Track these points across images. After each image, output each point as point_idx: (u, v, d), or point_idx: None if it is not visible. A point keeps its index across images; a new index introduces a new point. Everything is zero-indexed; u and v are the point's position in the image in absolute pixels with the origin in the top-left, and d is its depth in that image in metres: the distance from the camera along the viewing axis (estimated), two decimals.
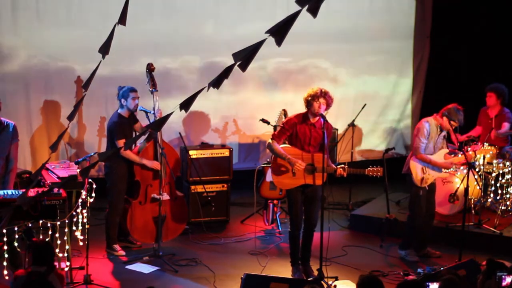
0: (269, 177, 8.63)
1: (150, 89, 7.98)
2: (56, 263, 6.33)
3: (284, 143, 7.40)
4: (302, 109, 7.40)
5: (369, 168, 7.40)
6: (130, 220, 7.98)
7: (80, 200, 6.96)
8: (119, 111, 7.94)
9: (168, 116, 3.56)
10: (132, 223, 8.00)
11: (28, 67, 9.34)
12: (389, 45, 11.12)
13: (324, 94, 7.19)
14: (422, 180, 7.74)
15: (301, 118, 7.30)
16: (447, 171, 8.04)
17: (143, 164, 7.89)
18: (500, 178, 8.67)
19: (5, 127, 7.13)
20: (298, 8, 3.25)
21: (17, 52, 9.28)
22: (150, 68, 8.02)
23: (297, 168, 7.18)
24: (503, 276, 5.28)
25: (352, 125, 9.90)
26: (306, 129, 7.27)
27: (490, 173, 8.74)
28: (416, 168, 7.75)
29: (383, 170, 7.45)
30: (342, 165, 7.31)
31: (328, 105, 7.25)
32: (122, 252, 8.01)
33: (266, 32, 3.28)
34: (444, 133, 7.79)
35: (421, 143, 7.72)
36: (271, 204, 9.07)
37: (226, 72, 3.41)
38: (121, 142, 7.71)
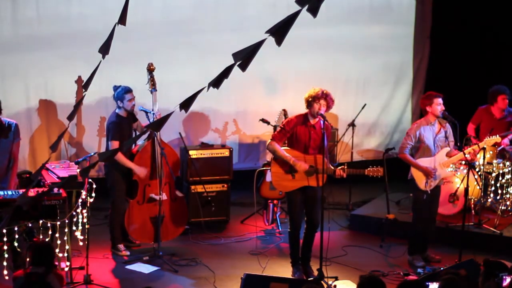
0: (269, 177, 8.62)
1: (150, 89, 7.98)
2: (56, 263, 6.33)
3: (284, 144, 7.40)
4: (302, 109, 7.39)
5: (369, 168, 7.39)
6: (128, 220, 7.99)
7: (80, 200, 6.96)
8: (117, 110, 7.93)
9: (168, 116, 3.55)
10: (130, 223, 8.00)
11: (28, 66, 9.34)
12: (389, 45, 11.12)
13: (325, 96, 7.17)
14: (426, 183, 7.69)
15: (301, 120, 7.29)
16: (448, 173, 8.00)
17: (131, 168, 7.86)
18: (500, 178, 8.67)
19: (6, 127, 7.13)
20: (298, 8, 3.25)
21: (17, 51, 9.28)
22: (150, 68, 8.02)
23: (300, 169, 7.17)
24: (504, 277, 5.26)
25: (352, 125, 9.90)
26: (305, 130, 7.26)
27: (490, 173, 8.74)
28: (419, 172, 7.72)
29: (383, 170, 7.44)
30: (342, 166, 7.31)
31: (329, 107, 7.24)
32: (127, 252, 8.01)
33: (266, 32, 3.28)
34: (443, 132, 7.75)
35: (407, 144, 7.69)
36: (271, 204, 9.07)
37: (226, 72, 3.41)
38: (115, 143, 7.71)
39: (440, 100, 7.66)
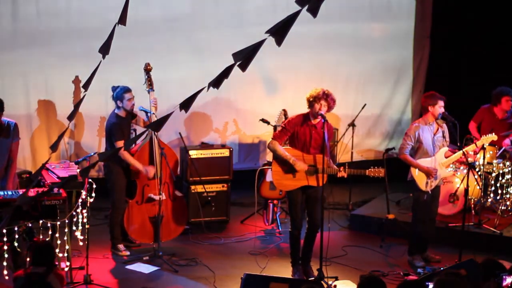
0: (269, 177, 8.63)
1: (147, 89, 7.98)
2: (56, 263, 6.32)
3: (285, 143, 7.40)
4: (302, 108, 7.39)
5: (370, 169, 7.40)
6: (127, 220, 7.99)
7: (80, 200, 6.96)
8: (116, 111, 7.91)
9: (168, 116, 3.55)
10: (129, 223, 8.00)
11: (27, 65, 9.33)
12: (389, 45, 11.12)
13: (326, 96, 7.16)
14: (426, 184, 7.67)
15: (302, 119, 7.29)
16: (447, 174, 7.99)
17: (138, 169, 7.87)
18: (500, 178, 8.67)
19: (6, 127, 7.15)
20: (298, 8, 3.25)
21: (17, 49, 9.26)
22: (147, 68, 8.02)
23: (299, 169, 7.18)
24: (504, 276, 5.26)
25: (352, 125, 9.90)
26: (306, 130, 7.26)
27: (490, 173, 8.74)
28: (419, 172, 7.69)
29: (384, 171, 7.44)
30: (343, 166, 7.31)
31: (330, 107, 7.23)
32: (127, 252, 8.01)
33: (266, 32, 3.28)
34: (441, 132, 7.75)
35: (407, 145, 7.68)
36: (271, 204, 9.07)
37: (226, 72, 3.41)
38: (120, 143, 7.70)
39: (442, 103, 7.67)
